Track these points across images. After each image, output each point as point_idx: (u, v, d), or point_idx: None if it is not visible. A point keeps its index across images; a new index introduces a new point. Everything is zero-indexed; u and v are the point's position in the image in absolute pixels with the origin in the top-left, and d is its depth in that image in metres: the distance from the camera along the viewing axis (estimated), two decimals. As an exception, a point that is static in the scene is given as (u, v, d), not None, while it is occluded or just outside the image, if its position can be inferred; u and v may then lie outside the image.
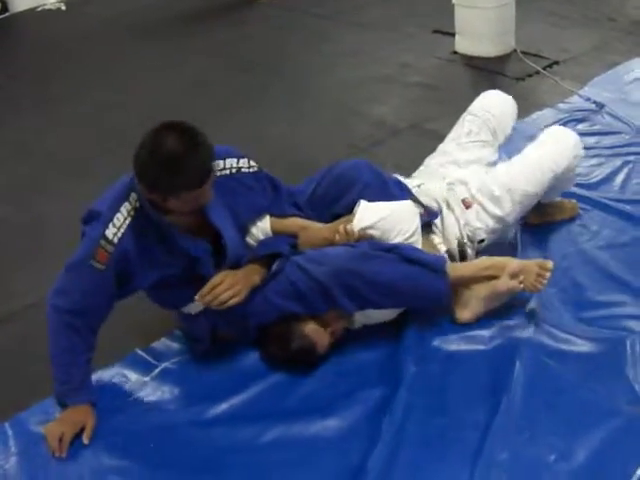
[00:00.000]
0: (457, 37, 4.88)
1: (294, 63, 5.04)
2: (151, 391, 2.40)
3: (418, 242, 2.50)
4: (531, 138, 3.57)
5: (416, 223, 2.50)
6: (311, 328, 2.37)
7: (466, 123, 2.99)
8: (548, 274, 2.42)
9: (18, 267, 3.11)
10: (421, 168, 2.98)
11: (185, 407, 2.33)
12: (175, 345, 2.58)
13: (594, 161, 3.41)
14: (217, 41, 5.58)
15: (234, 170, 2.36)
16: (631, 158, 3.38)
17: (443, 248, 2.65)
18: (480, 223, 2.64)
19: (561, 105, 3.97)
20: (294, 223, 2.51)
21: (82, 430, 2.23)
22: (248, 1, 6.38)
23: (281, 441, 2.17)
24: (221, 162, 2.33)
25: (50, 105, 4.74)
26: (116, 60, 5.41)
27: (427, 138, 3.79)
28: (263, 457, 2.13)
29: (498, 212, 2.64)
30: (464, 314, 2.50)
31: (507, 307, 2.55)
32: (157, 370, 2.48)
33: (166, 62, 5.19)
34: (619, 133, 3.62)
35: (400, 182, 2.69)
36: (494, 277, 2.48)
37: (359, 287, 2.31)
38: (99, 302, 2.28)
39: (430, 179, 2.81)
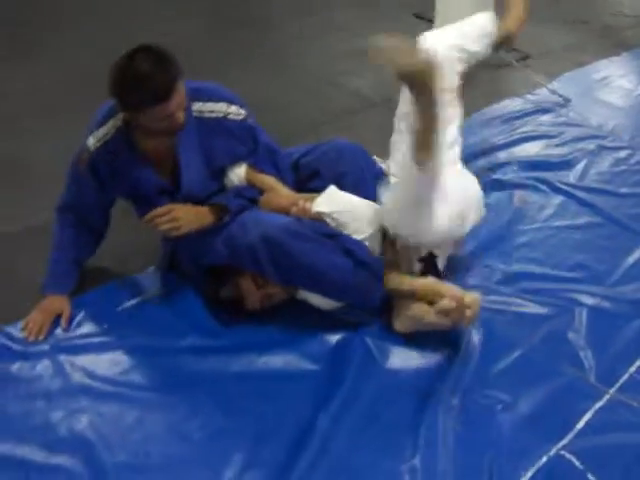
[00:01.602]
0: (436, 23, 4.99)
1: (278, 31, 5.12)
2: (123, 321, 2.48)
3: (373, 249, 2.45)
4: (499, 121, 3.77)
5: (374, 227, 2.46)
6: (245, 283, 2.41)
7: None
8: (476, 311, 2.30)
9: (-1, 199, 3.17)
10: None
11: (154, 337, 2.42)
12: (150, 281, 2.67)
13: (557, 150, 3.57)
14: (202, 3, 5.62)
15: (221, 115, 2.43)
16: (591, 149, 3.56)
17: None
18: None
19: (530, 96, 4.13)
20: (265, 180, 2.56)
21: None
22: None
23: (246, 373, 2.29)
24: (211, 104, 2.42)
25: (29, 49, 4.71)
26: (98, 8, 5.39)
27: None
28: (229, 386, 2.25)
29: None
30: (396, 325, 2.43)
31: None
32: (130, 303, 2.56)
33: (153, 19, 5.21)
34: (582, 126, 3.79)
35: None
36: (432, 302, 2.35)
37: (283, 262, 2.31)
38: (88, 199, 2.49)
39: None
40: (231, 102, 2.46)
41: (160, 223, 2.36)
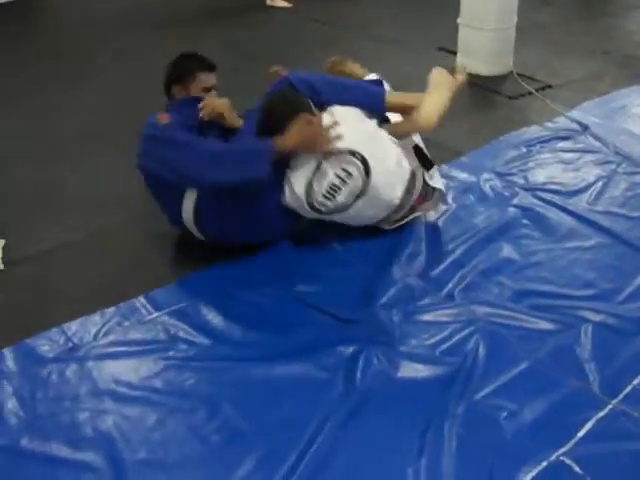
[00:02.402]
0: (459, 55, 5.15)
1: (302, 62, 5.28)
2: (148, 331, 2.63)
3: None
4: (516, 147, 3.89)
5: None
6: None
7: None
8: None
9: (36, 219, 3.36)
10: None
11: (177, 346, 2.56)
12: (173, 296, 2.81)
13: (572, 175, 3.66)
14: (229, 37, 5.82)
15: None
16: (607, 174, 3.65)
17: None
18: None
19: (548, 124, 4.23)
20: None
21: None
22: (265, 5, 6.71)
23: (264, 380, 2.41)
24: None
25: (70, 82, 5.00)
26: (133, 45, 5.68)
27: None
28: (248, 393, 2.37)
29: None
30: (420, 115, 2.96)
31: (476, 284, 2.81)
32: (154, 314, 2.71)
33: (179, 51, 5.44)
34: (599, 152, 3.88)
35: None
36: None
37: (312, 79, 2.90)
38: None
39: None
40: None
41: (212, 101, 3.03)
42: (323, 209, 2.77)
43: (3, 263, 3.01)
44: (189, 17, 6.46)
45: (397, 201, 2.90)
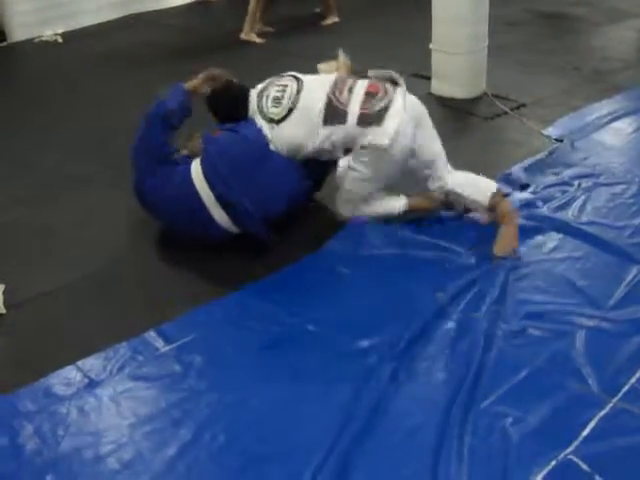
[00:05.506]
0: (433, 80, 5.28)
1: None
2: (161, 364, 2.71)
3: None
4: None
5: None
6: None
7: None
8: None
9: (33, 262, 3.45)
10: None
11: (190, 378, 2.65)
12: (183, 328, 2.89)
13: (556, 189, 3.78)
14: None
15: None
16: (588, 186, 3.77)
17: None
18: None
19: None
20: None
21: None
22: (239, 40, 6.85)
23: (280, 400, 2.52)
24: None
25: (49, 127, 5.08)
26: (108, 88, 5.77)
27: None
28: (265, 416, 2.47)
29: None
30: None
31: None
32: (167, 347, 2.79)
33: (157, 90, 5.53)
34: (578, 166, 4.00)
35: None
36: None
37: None
38: None
39: None
40: None
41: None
42: (276, 117, 3.42)
43: (5, 307, 3.08)
44: (165, 56, 6.56)
45: (322, 117, 3.41)
